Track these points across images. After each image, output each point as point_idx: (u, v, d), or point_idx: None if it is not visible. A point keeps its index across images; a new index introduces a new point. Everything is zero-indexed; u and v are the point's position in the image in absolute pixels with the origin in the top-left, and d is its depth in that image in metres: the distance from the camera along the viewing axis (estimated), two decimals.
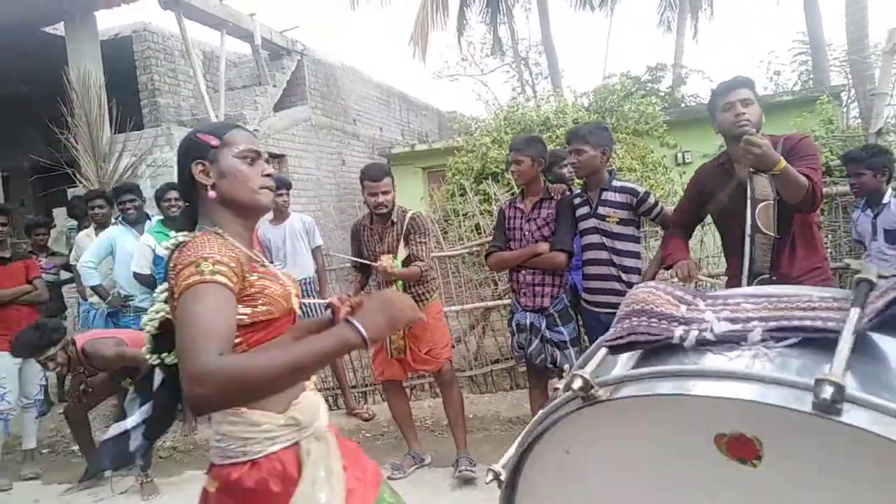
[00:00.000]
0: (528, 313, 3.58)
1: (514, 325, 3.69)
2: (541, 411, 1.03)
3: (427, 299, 3.81)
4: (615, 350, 1.06)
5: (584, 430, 1.00)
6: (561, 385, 1.04)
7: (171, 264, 1.45)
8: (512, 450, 1.09)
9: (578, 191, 3.69)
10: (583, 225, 3.50)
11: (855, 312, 0.88)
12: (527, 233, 3.59)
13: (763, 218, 2.55)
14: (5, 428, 4.47)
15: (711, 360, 0.91)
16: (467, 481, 3.65)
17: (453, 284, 5.63)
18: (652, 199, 3.40)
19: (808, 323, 0.90)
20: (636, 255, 3.42)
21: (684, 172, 9.23)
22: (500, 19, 18.30)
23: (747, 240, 2.58)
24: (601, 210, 3.41)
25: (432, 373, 3.98)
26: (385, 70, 35.68)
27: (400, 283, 3.71)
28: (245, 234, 1.61)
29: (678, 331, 0.98)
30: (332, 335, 1.29)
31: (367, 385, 5.46)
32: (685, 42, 17.19)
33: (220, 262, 1.37)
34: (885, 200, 4.00)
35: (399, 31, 56.43)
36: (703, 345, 0.95)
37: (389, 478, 3.84)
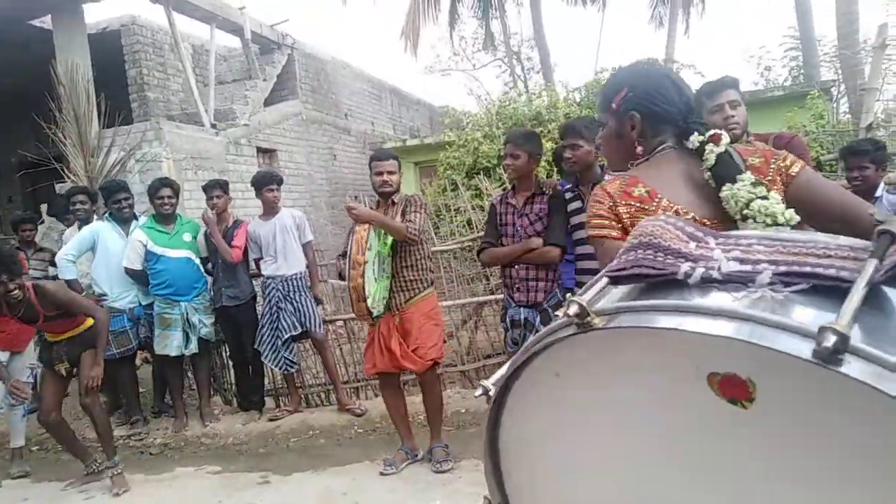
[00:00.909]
0: (521, 309, 3.56)
1: (507, 320, 3.67)
2: (536, 334, 1.04)
3: (419, 289, 3.79)
4: (617, 281, 1.04)
5: (576, 356, 1.00)
6: (560, 312, 1.04)
7: None
8: (504, 368, 1.10)
9: (569, 185, 3.68)
10: (575, 220, 3.48)
11: (872, 263, 0.84)
12: (519, 228, 3.58)
13: None
14: None
15: (714, 299, 0.90)
16: (445, 472, 3.74)
17: (445, 280, 5.61)
18: None
19: (820, 270, 0.87)
20: None
21: None
22: (492, 14, 18.25)
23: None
24: None
25: (415, 372, 3.95)
26: (376, 64, 35.59)
27: (388, 246, 3.71)
28: None
29: (684, 266, 0.97)
30: None
31: (359, 381, 5.45)
32: (677, 37, 17.20)
33: None
34: (877, 194, 4.00)
35: (390, 25, 56.25)
36: (708, 283, 0.93)
37: (381, 473, 3.83)
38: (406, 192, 4.14)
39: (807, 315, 0.82)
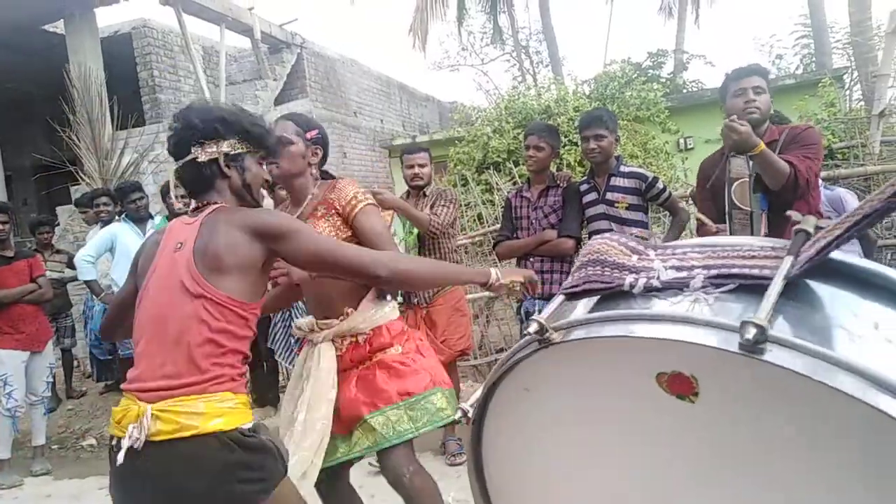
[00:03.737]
0: (536, 301, 3.57)
1: (522, 312, 3.70)
2: (504, 354, 1.15)
3: None
4: (571, 297, 1.16)
5: (542, 370, 1.09)
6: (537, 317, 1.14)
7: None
8: (479, 391, 1.20)
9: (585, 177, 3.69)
10: (591, 211, 3.49)
11: (788, 260, 0.94)
12: (534, 221, 3.59)
13: (738, 194, 2.65)
14: (14, 425, 4.51)
15: (656, 305, 1.00)
16: (459, 465, 3.77)
17: None
18: (660, 185, 3.39)
19: (745, 271, 0.96)
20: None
21: (686, 158, 9.20)
22: (500, 8, 18.22)
23: (726, 216, 2.69)
24: (610, 196, 3.40)
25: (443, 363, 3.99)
26: (385, 62, 35.60)
27: (414, 235, 3.75)
28: None
29: (628, 278, 1.07)
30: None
31: None
32: (686, 27, 17.09)
33: None
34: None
35: (398, 22, 56.26)
36: (650, 291, 1.03)
37: (371, 465, 3.84)
38: None
39: (734, 312, 0.92)
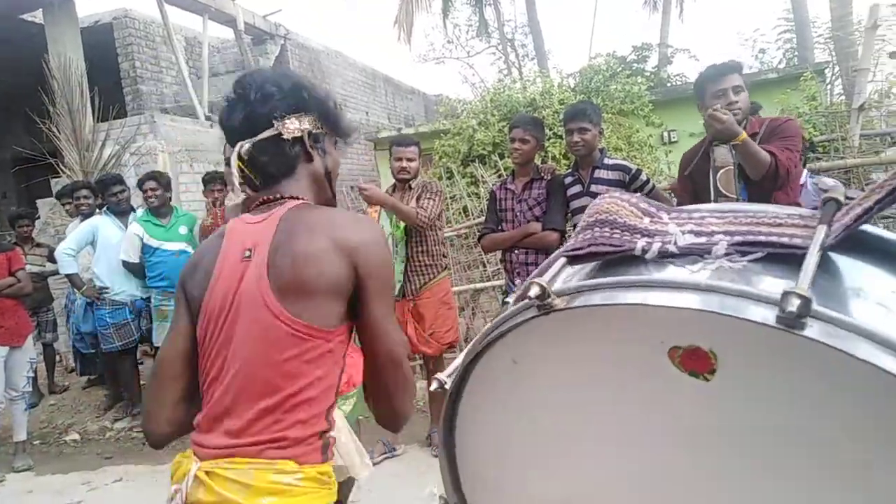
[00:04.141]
0: None
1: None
2: (494, 320, 1.00)
3: (432, 274, 3.84)
4: (574, 260, 1.03)
5: (534, 340, 0.97)
6: (511, 298, 1.03)
7: None
8: (459, 358, 1.06)
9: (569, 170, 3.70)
10: (575, 204, 3.51)
11: (822, 229, 0.86)
12: (518, 213, 3.61)
13: (724, 182, 2.69)
14: None
15: (673, 272, 0.90)
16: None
17: None
18: (644, 177, 3.42)
19: (774, 238, 0.88)
20: None
21: (670, 151, 9.27)
22: (486, 1, 18.19)
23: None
24: (594, 188, 3.42)
25: (430, 356, 4.00)
26: (370, 54, 35.41)
27: (402, 229, 3.73)
28: None
29: (640, 242, 0.96)
30: None
31: None
32: (671, 21, 17.16)
33: None
34: (801, 181, 4.13)
35: (384, 14, 55.95)
36: (665, 257, 0.93)
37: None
38: None
39: (766, 282, 0.83)
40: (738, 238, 0.89)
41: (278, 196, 1.30)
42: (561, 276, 1.00)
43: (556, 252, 1.10)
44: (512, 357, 1.02)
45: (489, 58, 24.57)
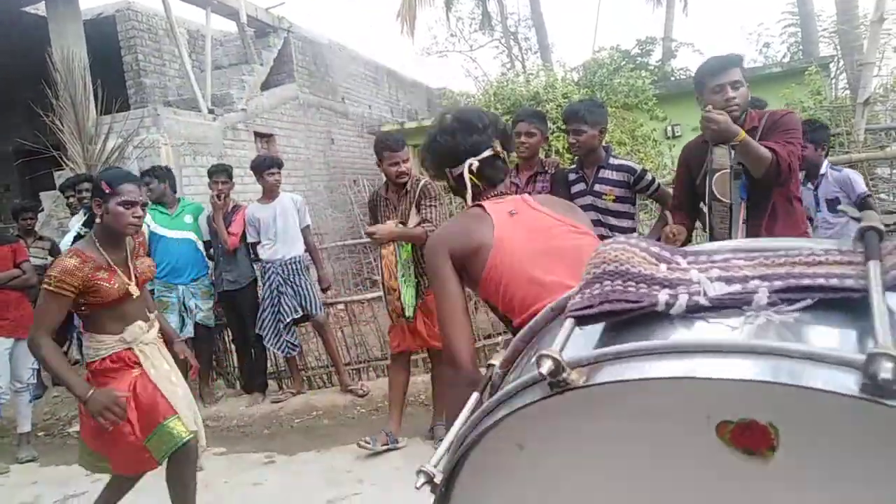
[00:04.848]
0: None
1: None
2: (490, 399, 0.85)
3: None
4: (584, 321, 0.85)
5: (544, 420, 0.80)
6: (497, 361, 0.90)
7: None
8: (446, 443, 0.89)
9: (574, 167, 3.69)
10: (578, 202, 3.49)
11: (875, 265, 0.72)
12: None
13: (719, 186, 2.66)
14: None
15: (709, 331, 0.75)
16: None
17: None
18: (649, 177, 3.42)
19: (822, 281, 0.73)
20: (632, 231, 3.45)
21: (674, 146, 9.25)
22: None
23: (706, 207, 2.72)
24: (598, 187, 3.41)
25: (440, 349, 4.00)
26: (373, 47, 35.35)
27: (408, 248, 3.71)
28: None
29: (662, 295, 0.80)
30: (79, 385, 2.49)
31: (360, 362, 5.50)
32: (675, 15, 17.08)
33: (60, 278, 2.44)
34: (822, 171, 4.17)
35: (387, 7, 55.78)
36: (693, 312, 0.77)
37: (359, 444, 3.84)
38: None
39: (831, 338, 0.70)
40: (778, 283, 0.75)
41: (500, 193, 1.83)
42: (571, 342, 0.82)
43: (555, 303, 0.95)
44: (517, 442, 0.83)
45: (492, 51, 24.53)
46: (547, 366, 0.72)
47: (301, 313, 4.99)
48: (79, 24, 8.00)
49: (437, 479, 0.87)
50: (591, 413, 0.78)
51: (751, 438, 0.69)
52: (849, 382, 0.59)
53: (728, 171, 2.64)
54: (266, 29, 11.02)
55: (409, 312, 3.71)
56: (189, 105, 9.16)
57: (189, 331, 5.07)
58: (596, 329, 0.85)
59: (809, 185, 4.19)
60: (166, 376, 2.70)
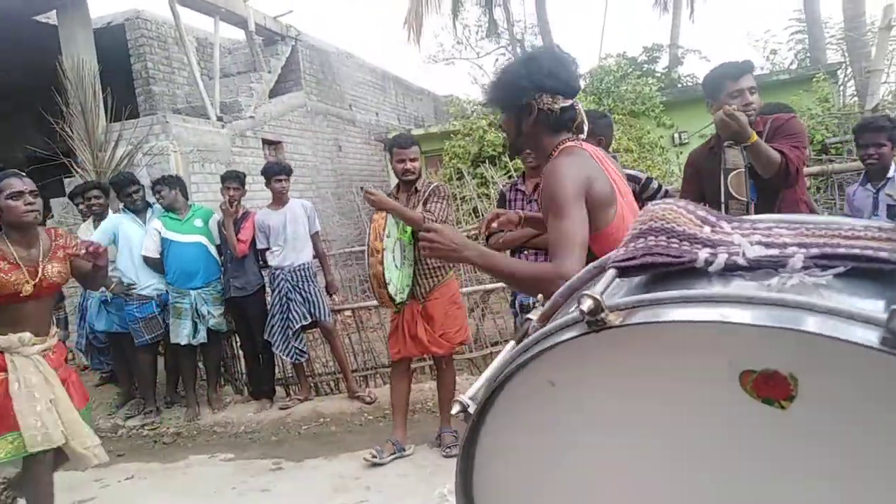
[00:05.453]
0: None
1: (516, 306, 3.71)
2: (532, 335, 0.89)
3: (441, 275, 3.84)
4: (625, 272, 0.90)
5: (576, 359, 0.86)
6: (535, 316, 0.94)
7: None
8: (482, 379, 0.94)
9: None
10: None
11: None
12: None
13: (735, 185, 2.71)
14: None
15: (745, 287, 0.79)
16: (454, 457, 3.72)
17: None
18: (655, 184, 3.42)
19: (857, 251, 0.78)
20: None
21: (681, 153, 9.24)
22: (496, 1, 18.18)
23: (722, 207, 2.75)
24: None
25: (441, 356, 4.00)
26: (380, 55, 35.49)
27: (409, 233, 3.73)
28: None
29: (703, 253, 0.84)
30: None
31: (368, 369, 5.50)
32: (682, 22, 17.10)
33: None
34: (889, 174, 3.79)
35: (393, 15, 56.01)
36: (732, 270, 0.81)
37: (365, 459, 3.84)
38: None
39: (858, 300, 0.73)
40: (815, 251, 0.80)
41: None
42: (611, 289, 0.88)
43: (597, 262, 0.99)
44: (549, 379, 0.89)
45: (499, 58, 24.57)
46: (587, 304, 0.77)
47: (310, 320, 5.00)
48: (89, 33, 8.08)
49: (471, 410, 0.93)
50: (621, 355, 0.83)
51: (771, 388, 0.74)
52: (870, 336, 0.63)
53: (743, 170, 2.70)
54: (274, 37, 11.09)
55: (399, 297, 3.67)
56: (198, 112, 9.22)
57: (202, 336, 5.11)
58: (636, 280, 0.90)
59: (870, 185, 3.86)
60: (31, 394, 2.77)
